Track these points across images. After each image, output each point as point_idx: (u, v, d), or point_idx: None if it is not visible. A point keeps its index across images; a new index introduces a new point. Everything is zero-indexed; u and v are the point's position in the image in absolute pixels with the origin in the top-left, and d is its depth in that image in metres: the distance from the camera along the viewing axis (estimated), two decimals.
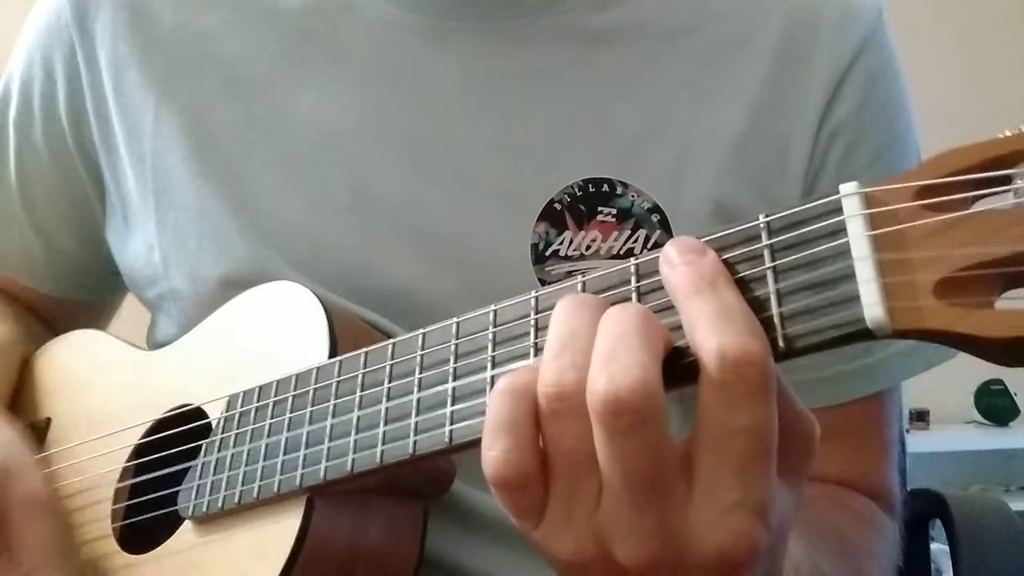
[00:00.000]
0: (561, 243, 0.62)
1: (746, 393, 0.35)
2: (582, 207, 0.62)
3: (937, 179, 0.35)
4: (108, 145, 0.71)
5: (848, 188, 0.36)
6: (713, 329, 0.35)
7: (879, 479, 0.70)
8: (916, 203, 0.35)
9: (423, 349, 0.48)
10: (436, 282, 0.62)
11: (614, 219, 0.62)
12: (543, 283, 0.61)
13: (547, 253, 0.62)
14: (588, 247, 0.62)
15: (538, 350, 0.42)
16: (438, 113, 0.65)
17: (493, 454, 0.38)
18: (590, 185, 0.63)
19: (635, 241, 0.62)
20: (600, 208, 0.62)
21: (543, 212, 0.62)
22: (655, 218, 0.62)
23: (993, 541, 0.97)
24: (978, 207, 0.34)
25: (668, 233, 0.62)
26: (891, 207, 0.35)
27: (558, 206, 0.62)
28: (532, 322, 0.43)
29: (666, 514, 0.36)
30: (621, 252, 0.62)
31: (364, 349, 0.51)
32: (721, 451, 0.36)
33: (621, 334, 0.37)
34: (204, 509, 0.56)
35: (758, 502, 0.36)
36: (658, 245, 0.60)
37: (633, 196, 0.62)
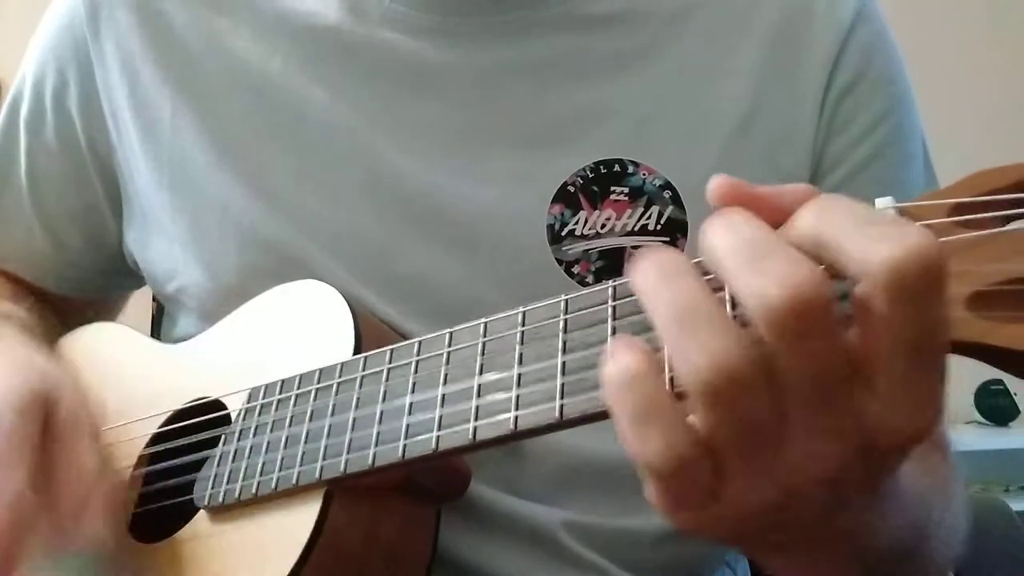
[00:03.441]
0: (576, 222, 0.63)
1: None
2: (595, 188, 0.63)
3: (971, 197, 0.35)
4: (123, 143, 0.71)
5: (884, 203, 0.36)
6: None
7: None
8: (950, 219, 0.35)
9: (450, 346, 0.48)
10: (454, 265, 0.63)
11: (627, 197, 0.63)
12: (560, 263, 0.62)
13: (563, 233, 0.63)
14: (603, 225, 0.63)
15: (566, 350, 0.43)
16: (448, 105, 0.65)
17: (650, 447, 0.34)
18: (602, 167, 0.63)
19: (648, 218, 0.63)
20: (613, 188, 0.63)
21: (557, 194, 0.63)
22: (667, 194, 0.63)
23: (993, 541, 0.98)
24: (1011, 227, 0.34)
25: (681, 209, 0.63)
26: (926, 222, 0.35)
27: (571, 188, 0.63)
28: (561, 323, 0.43)
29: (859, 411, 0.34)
30: (635, 228, 0.62)
31: (390, 346, 0.51)
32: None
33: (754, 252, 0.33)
34: (220, 499, 0.56)
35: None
36: (672, 220, 0.62)
37: (644, 175, 0.63)
